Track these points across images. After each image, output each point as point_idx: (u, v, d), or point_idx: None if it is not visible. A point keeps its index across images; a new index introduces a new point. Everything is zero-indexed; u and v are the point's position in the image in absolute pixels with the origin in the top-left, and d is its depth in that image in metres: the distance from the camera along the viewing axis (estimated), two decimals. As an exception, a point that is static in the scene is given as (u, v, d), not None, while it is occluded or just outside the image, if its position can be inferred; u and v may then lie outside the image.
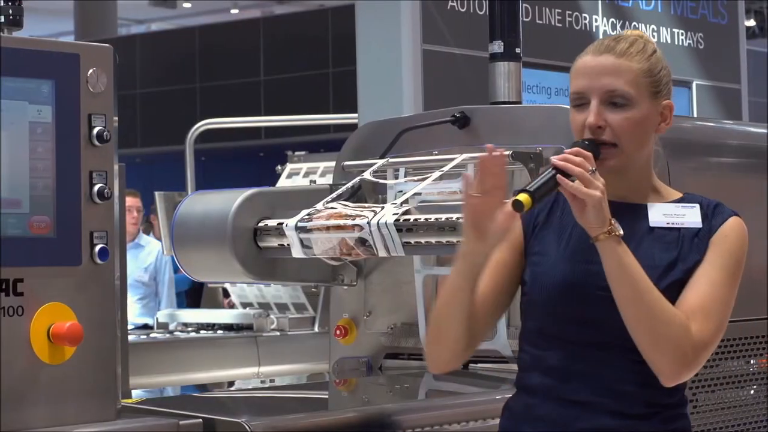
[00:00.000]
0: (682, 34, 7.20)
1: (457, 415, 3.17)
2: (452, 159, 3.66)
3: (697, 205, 2.53)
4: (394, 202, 3.65)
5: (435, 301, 2.58)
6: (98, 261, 2.76)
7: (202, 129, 8.00)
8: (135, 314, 7.81)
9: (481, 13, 5.81)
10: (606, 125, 2.47)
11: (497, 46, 4.10)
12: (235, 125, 11.79)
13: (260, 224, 3.81)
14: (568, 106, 2.54)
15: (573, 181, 2.35)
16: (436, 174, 3.67)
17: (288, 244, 3.72)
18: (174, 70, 19.15)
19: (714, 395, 3.53)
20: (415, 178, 3.75)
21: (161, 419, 2.85)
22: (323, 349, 4.32)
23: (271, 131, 16.96)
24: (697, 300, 2.42)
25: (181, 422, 2.82)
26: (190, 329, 6.34)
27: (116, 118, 2.83)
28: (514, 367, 3.54)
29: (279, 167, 7.20)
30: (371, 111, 5.56)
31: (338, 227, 3.59)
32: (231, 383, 5.48)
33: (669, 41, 7.09)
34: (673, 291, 2.43)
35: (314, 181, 6.62)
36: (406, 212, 3.53)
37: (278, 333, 6.09)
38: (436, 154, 3.81)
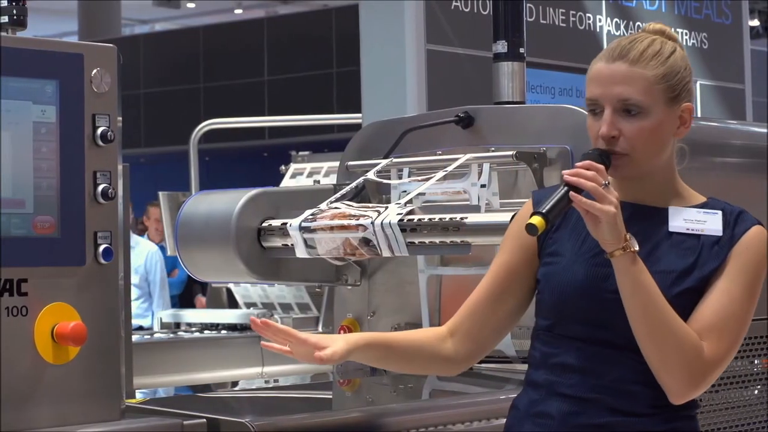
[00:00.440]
0: (686, 34, 7.19)
1: (460, 415, 3.17)
2: (456, 159, 3.66)
3: (720, 212, 2.49)
4: (398, 202, 3.65)
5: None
6: (102, 261, 2.76)
7: (206, 129, 8.00)
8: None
9: (485, 13, 5.81)
10: (620, 134, 2.43)
11: (501, 46, 4.09)
12: (239, 125, 11.79)
13: (264, 224, 3.81)
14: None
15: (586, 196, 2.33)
16: (440, 174, 3.66)
17: (292, 244, 3.72)
18: (178, 70, 19.16)
19: (718, 395, 3.53)
20: (419, 178, 3.75)
21: (165, 419, 2.85)
22: (327, 349, 4.30)
23: (275, 131, 16.98)
24: (713, 317, 2.39)
25: (185, 422, 2.82)
26: (193, 329, 6.35)
27: (120, 118, 2.83)
28: (519, 367, 3.55)
29: (283, 167, 7.20)
30: (375, 111, 5.56)
31: (342, 227, 3.59)
32: (235, 383, 5.48)
33: (673, 41, 7.06)
34: (684, 299, 2.41)
35: (318, 181, 6.61)
36: (410, 212, 3.53)
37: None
38: (439, 154, 3.81)
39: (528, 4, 5.89)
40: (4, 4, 2.77)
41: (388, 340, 2.59)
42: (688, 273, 2.43)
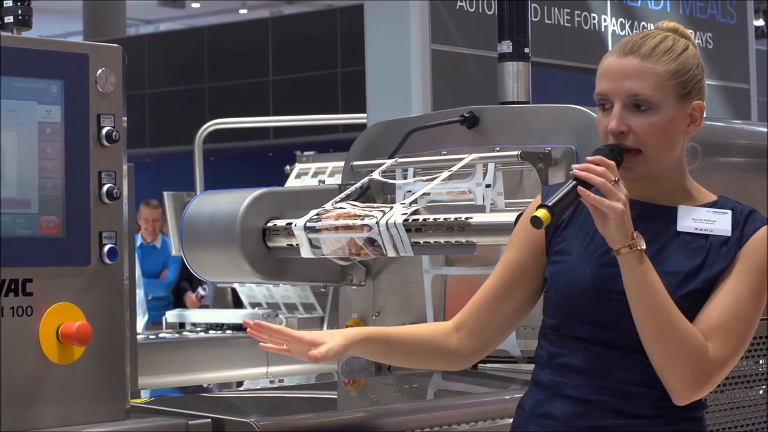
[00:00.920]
0: (690, 34, 7.18)
1: (465, 415, 3.16)
2: (461, 159, 3.66)
3: (729, 212, 2.46)
4: (403, 202, 3.65)
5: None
6: (107, 261, 2.76)
7: (210, 129, 8.01)
8: None
9: (490, 13, 5.80)
10: (629, 130, 2.41)
11: (506, 46, 4.09)
12: (244, 125, 11.79)
13: (269, 224, 3.81)
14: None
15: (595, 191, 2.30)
16: (445, 174, 3.66)
17: (297, 244, 3.72)
18: (183, 70, 19.17)
19: (723, 395, 3.53)
20: (424, 178, 3.75)
21: (170, 419, 2.85)
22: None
23: (279, 131, 16.98)
24: (719, 317, 2.37)
25: (190, 422, 2.82)
26: (198, 329, 6.35)
27: (125, 118, 2.83)
28: (524, 367, 3.55)
29: (288, 167, 7.21)
30: (380, 111, 5.55)
31: (347, 227, 3.59)
32: (240, 383, 5.48)
33: (678, 41, 7.05)
34: (690, 300, 2.39)
35: (323, 181, 6.62)
36: (414, 212, 3.53)
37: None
38: (444, 154, 3.81)
39: (533, 4, 5.90)
40: (9, 4, 2.78)
41: (389, 334, 2.59)
42: (695, 274, 2.41)
